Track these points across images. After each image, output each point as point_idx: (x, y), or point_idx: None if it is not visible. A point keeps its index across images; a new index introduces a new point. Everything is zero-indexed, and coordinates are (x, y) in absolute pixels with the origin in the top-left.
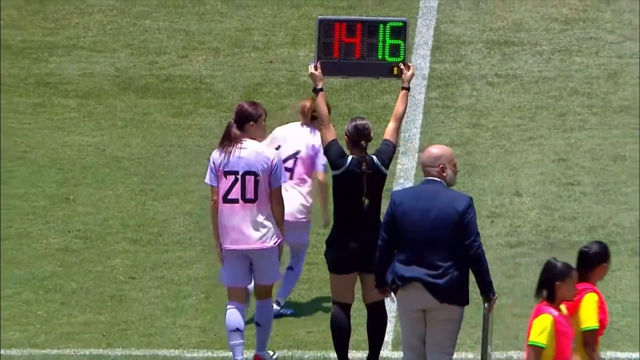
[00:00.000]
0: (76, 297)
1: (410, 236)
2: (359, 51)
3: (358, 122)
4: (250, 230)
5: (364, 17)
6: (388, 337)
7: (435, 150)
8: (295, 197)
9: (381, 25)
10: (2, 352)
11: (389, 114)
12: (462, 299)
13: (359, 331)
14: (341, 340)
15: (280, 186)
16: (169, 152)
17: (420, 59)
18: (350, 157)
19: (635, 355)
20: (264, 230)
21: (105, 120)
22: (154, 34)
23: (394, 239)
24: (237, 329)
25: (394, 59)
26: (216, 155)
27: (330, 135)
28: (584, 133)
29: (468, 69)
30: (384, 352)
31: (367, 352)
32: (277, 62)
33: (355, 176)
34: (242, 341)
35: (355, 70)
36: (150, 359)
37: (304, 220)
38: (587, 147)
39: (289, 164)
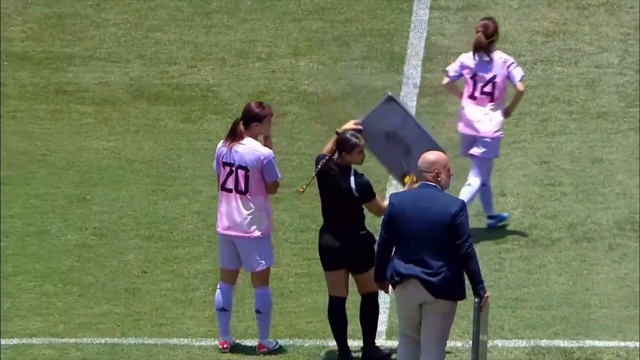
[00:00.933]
0: (92, 289)
1: (407, 235)
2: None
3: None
4: (238, 219)
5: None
6: (382, 327)
7: (431, 156)
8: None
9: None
10: (24, 341)
11: None
12: (457, 295)
13: (355, 321)
14: (338, 331)
15: (275, 181)
16: (178, 155)
17: (412, 69)
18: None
19: (611, 343)
20: (250, 221)
21: (120, 125)
22: (165, 46)
23: (392, 237)
24: (223, 309)
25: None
26: (219, 145)
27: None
28: (564, 137)
29: None
30: (378, 342)
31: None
32: (279, 72)
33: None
34: (228, 319)
35: (382, 151)
36: (162, 347)
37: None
38: (567, 151)
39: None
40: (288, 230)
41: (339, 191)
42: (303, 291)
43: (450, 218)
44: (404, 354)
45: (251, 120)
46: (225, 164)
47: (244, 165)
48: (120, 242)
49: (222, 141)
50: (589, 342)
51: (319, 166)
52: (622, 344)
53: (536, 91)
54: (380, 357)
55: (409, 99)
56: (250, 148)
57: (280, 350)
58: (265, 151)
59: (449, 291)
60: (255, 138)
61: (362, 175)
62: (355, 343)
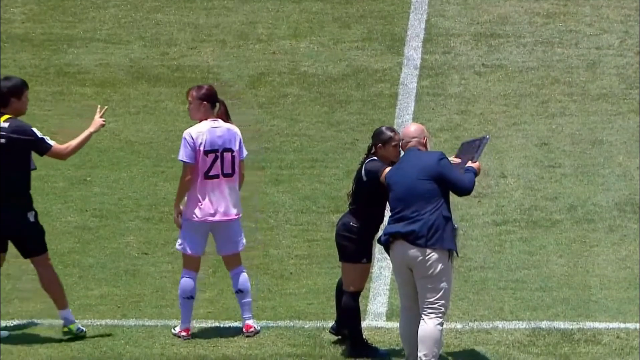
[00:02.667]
0: (93, 271)
1: (395, 195)
2: None
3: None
4: (226, 203)
5: None
6: (382, 308)
7: (417, 126)
8: None
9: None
10: (25, 322)
11: (383, 101)
12: (442, 241)
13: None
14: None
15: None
16: (179, 137)
17: (412, 51)
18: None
19: (611, 325)
20: (237, 203)
21: (120, 107)
22: (165, 27)
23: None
24: (192, 297)
25: None
26: (194, 135)
27: None
28: (564, 119)
29: (457, 60)
30: (379, 323)
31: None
32: (280, 54)
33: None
34: (192, 307)
35: None
36: (162, 329)
37: None
38: (567, 132)
39: None
40: (288, 211)
41: (356, 178)
42: (303, 273)
43: (431, 169)
44: (403, 327)
45: (216, 102)
46: (209, 152)
47: (229, 147)
48: (121, 223)
49: (193, 130)
50: (589, 324)
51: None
52: (622, 325)
53: (536, 73)
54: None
55: (409, 80)
56: (226, 128)
57: (263, 331)
58: (236, 127)
59: (432, 237)
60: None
61: (377, 159)
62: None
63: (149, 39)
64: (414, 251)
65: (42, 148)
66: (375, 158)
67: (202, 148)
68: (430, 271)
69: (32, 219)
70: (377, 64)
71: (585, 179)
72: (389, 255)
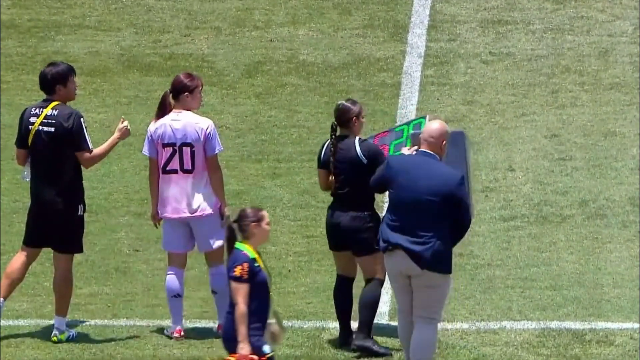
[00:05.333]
0: (82, 269)
1: (398, 200)
2: (387, 153)
3: (338, 103)
4: (188, 200)
5: (394, 125)
6: (385, 307)
7: (439, 125)
8: None
9: (405, 127)
10: (10, 322)
11: (386, 91)
12: (444, 268)
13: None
14: (341, 311)
15: (216, 154)
16: None
17: (416, 38)
18: (325, 144)
19: (625, 325)
20: (200, 199)
21: (110, 97)
22: (158, 14)
23: (381, 190)
24: (178, 295)
25: None
26: (153, 128)
27: None
28: (575, 110)
29: (463, 48)
30: (383, 320)
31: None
32: (277, 41)
33: (327, 157)
34: (181, 306)
35: None
36: (154, 329)
37: None
38: (578, 123)
39: None
40: (286, 207)
41: (346, 162)
42: (302, 270)
43: (450, 191)
44: (401, 330)
45: (181, 92)
46: (166, 145)
47: (188, 141)
48: (111, 219)
49: (152, 122)
50: (601, 324)
51: (330, 149)
52: (636, 325)
53: (546, 61)
54: (370, 351)
55: (413, 69)
56: (188, 122)
57: None
58: (206, 121)
59: (437, 264)
60: (190, 110)
61: (366, 139)
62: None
63: (140, 26)
64: (416, 269)
65: (80, 147)
66: (360, 137)
67: (160, 141)
68: (430, 285)
69: (80, 212)
70: (379, 52)
71: (597, 173)
72: (385, 260)
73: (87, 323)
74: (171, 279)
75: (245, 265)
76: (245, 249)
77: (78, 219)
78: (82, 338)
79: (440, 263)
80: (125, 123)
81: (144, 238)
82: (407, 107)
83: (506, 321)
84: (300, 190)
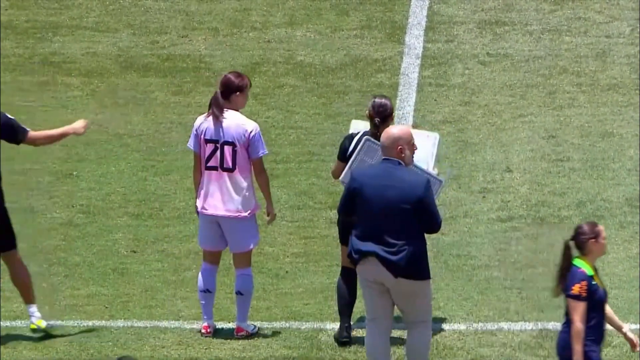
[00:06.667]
0: (79, 270)
1: (366, 212)
2: None
3: (376, 100)
4: (224, 198)
5: None
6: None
7: (394, 130)
8: None
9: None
10: (8, 323)
11: (383, 91)
12: (418, 274)
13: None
14: (344, 304)
15: (260, 158)
16: (169, 129)
17: (414, 39)
18: (359, 134)
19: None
20: (237, 200)
21: (108, 98)
22: (155, 15)
23: (350, 212)
24: (208, 290)
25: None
26: (199, 123)
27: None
28: (573, 111)
29: (460, 49)
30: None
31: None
32: (275, 42)
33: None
34: (212, 302)
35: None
36: (152, 330)
37: None
38: (576, 124)
39: None
40: (284, 208)
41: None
42: (300, 272)
43: (416, 199)
44: (372, 342)
45: (232, 92)
46: (208, 141)
47: (230, 140)
48: (109, 220)
49: (201, 117)
50: None
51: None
52: (634, 326)
53: (543, 62)
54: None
55: (411, 70)
56: (234, 122)
57: (257, 334)
58: (252, 123)
59: (410, 270)
60: (237, 110)
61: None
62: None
63: (138, 27)
64: (390, 277)
65: (21, 135)
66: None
67: (202, 137)
68: (411, 294)
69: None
70: (376, 53)
71: (594, 174)
72: (357, 269)
73: (85, 324)
74: (204, 275)
75: (584, 283)
76: (583, 265)
77: (7, 216)
78: (79, 339)
79: (415, 270)
80: (85, 124)
81: (142, 239)
82: (405, 108)
83: (504, 322)
84: (297, 192)
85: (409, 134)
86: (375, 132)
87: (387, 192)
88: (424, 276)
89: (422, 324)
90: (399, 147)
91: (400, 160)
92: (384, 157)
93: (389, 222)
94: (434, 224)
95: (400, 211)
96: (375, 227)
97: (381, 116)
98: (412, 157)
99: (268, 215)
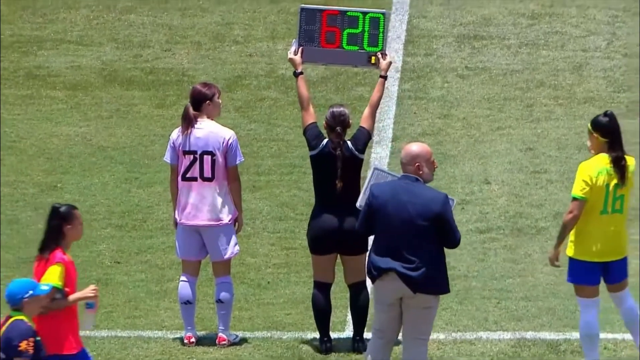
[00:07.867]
0: None
1: (386, 228)
2: (339, 40)
3: (335, 109)
4: (205, 207)
5: (345, 8)
6: None
7: (414, 147)
8: None
9: (361, 16)
10: None
11: (364, 105)
12: (437, 289)
13: (338, 312)
14: (321, 318)
15: (236, 165)
16: (152, 142)
17: (393, 52)
18: (325, 140)
19: (600, 335)
20: (218, 208)
21: (92, 111)
22: (139, 29)
23: (370, 229)
24: (188, 302)
25: (372, 49)
26: (175, 136)
27: (310, 118)
28: (550, 123)
29: (439, 62)
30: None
31: (352, 331)
32: (257, 56)
33: (329, 158)
34: (193, 313)
35: (334, 57)
36: (135, 340)
37: None
38: (553, 137)
39: None
40: (266, 219)
41: (350, 171)
42: (281, 282)
43: (435, 214)
44: (375, 350)
45: (202, 101)
46: (186, 153)
47: (210, 150)
48: (93, 231)
49: (176, 130)
50: (575, 334)
51: (338, 153)
52: (609, 335)
53: (521, 76)
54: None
55: (390, 83)
56: (209, 131)
57: (241, 342)
58: (228, 131)
59: (429, 286)
60: (212, 118)
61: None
62: (334, 335)
63: (121, 41)
64: (408, 291)
65: None
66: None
67: (180, 149)
68: (424, 306)
69: None
70: (357, 66)
71: (571, 185)
72: (375, 285)
73: None
74: (183, 286)
75: None
76: None
77: None
78: None
79: (434, 285)
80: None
81: (125, 250)
82: (385, 121)
83: (482, 332)
84: (279, 203)
85: (427, 152)
86: (338, 140)
87: (407, 208)
88: (443, 290)
89: (422, 342)
90: (417, 164)
91: (417, 177)
92: (403, 174)
93: (408, 238)
94: (453, 239)
95: (418, 227)
96: (395, 243)
97: (342, 125)
98: (432, 174)
99: (236, 224)
